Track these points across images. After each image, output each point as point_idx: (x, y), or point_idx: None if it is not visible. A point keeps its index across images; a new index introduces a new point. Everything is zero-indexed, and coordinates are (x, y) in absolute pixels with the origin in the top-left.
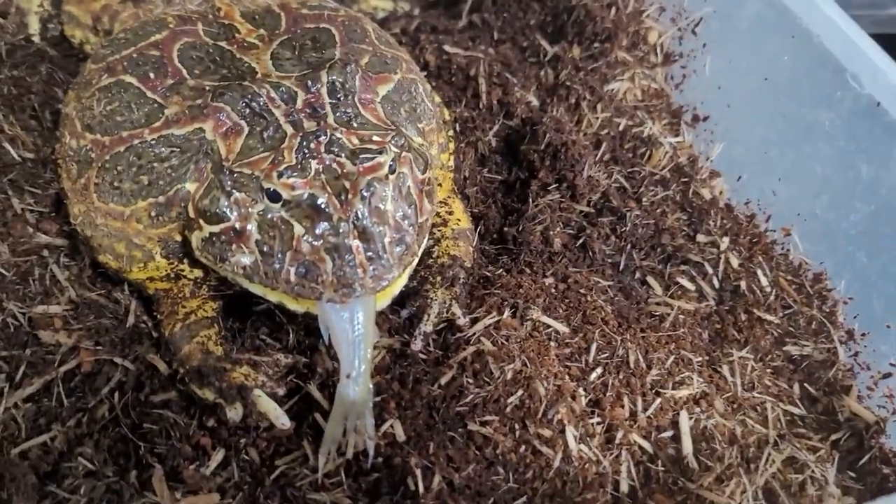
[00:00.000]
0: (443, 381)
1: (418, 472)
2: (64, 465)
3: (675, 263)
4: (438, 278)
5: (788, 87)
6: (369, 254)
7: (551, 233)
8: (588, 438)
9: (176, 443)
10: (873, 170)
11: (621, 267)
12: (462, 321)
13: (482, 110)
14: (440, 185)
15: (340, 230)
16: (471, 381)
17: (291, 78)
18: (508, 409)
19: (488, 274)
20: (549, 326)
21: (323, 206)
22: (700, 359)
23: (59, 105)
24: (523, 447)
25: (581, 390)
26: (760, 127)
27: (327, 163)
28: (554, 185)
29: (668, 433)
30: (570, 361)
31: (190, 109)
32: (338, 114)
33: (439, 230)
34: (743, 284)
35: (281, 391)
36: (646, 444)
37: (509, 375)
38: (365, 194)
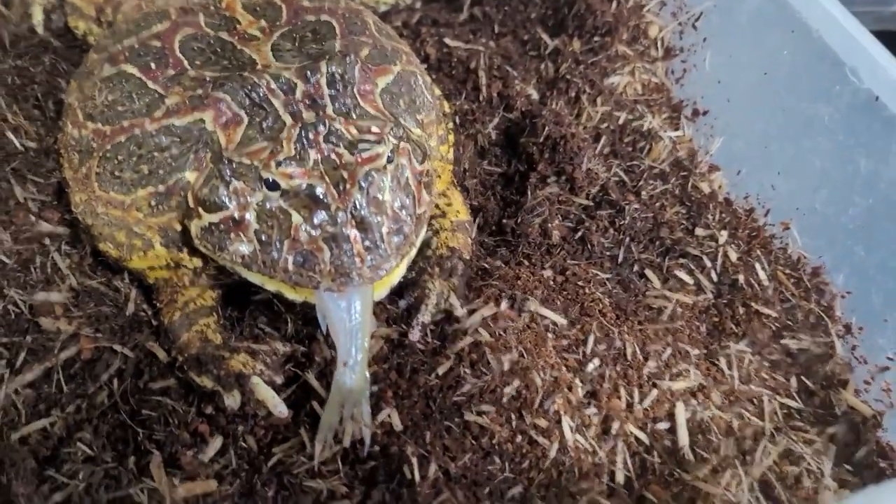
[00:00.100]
0: (440, 371)
1: (414, 460)
2: (63, 451)
3: (674, 256)
4: (437, 269)
5: (788, 82)
6: (367, 243)
7: (550, 225)
8: (584, 429)
9: (174, 430)
10: (872, 164)
11: (620, 260)
12: (460, 312)
13: (482, 103)
14: (439, 176)
15: (338, 220)
16: (468, 371)
17: (291, 69)
18: (505, 400)
19: (486, 266)
20: (546, 318)
21: (321, 195)
22: (697, 351)
23: (62, 95)
24: (520, 437)
25: (578, 381)
26: (760, 121)
27: (326, 153)
28: (553, 178)
29: (665, 425)
30: (568, 353)
31: (190, 100)
32: (337, 105)
33: (438, 222)
34: (741, 278)
35: (279, 379)
36: (642, 436)
37: (506, 366)
38: (363, 184)
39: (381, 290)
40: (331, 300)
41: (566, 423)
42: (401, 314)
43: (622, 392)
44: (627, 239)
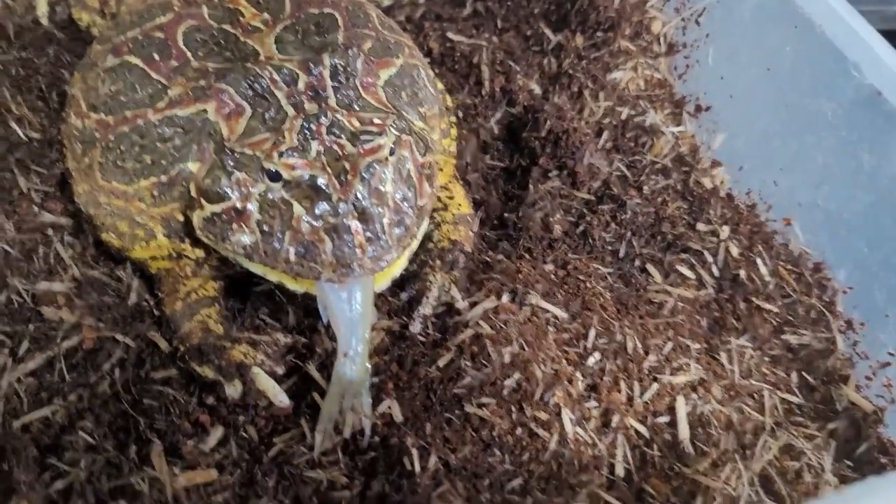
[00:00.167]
0: (441, 363)
1: (415, 452)
2: (65, 439)
3: (675, 251)
4: (438, 262)
5: (790, 78)
6: (368, 234)
7: (551, 219)
8: (584, 422)
9: (175, 419)
10: (874, 159)
11: (621, 254)
12: (461, 304)
13: (484, 97)
14: (441, 170)
15: (340, 211)
16: (468, 363)
17: (294, 61)
18: (505, 392)
19: (488, 259)
20: (547, 311)
21: (323, 186)
22: (698, 346)
23: (66, 86)
24: (520, 429)
25: (578, 374)
26: (762, 117)
27: (328, 144)
28: (555, 173)
29: (665, 418)
30: (569, 346)
31: (193, 91)
32: (339, 96)
33: (440, 215)
34: (742, 273)
35: (280, 370)
36: (642, 429)
37: (507, 358)
38: (365, 176)
39: (383, 282)
40: (332, 291)
41: (566, 415)
42: (402, 306)
43: (622, 385)
44: (629, 233)
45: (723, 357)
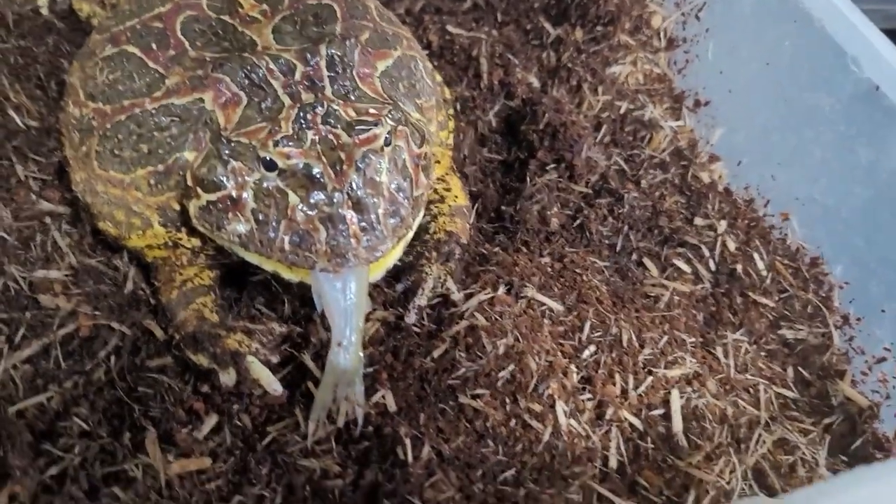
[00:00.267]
0: (435, 354)
1: (408, 441)
2: (59, 425)
3: (672, 246)
4: (434, 253)
5: (789, 72)
6: (363, 224)
7: (548, 212)
8: (578, 414)
9: (170, 407)
10: (872, 154)
11: (618, 248)
12: (456, 296)
13: (483, 90)
14: (438, 162)
15: (335, 200)
16: (463, 354)
17: (291, 51)
18: (500, 384)
19: (485, 251)
20: (543, 304)
21: (318, 175)
22: (694, 340)
23: (65, 75)
24: (513, 421)
25: (573, 367)
26: (761, 112)
27: (323, 134)
28: (552, 165)
29: (659, 411)
30: (564, 339)
31: (190, 80)
32: (335, 87)
33: (437, 206)
34: (739, 268)
35: (274, 359)
36: (636, 422)
37: (501, 350)
38: (360, 166)
39: (377, 272)
40: (326, 280)
41: (560, 407)
42: (398, 297)
43: (617, 378)
44: (626, 227)
45: (718, 351)
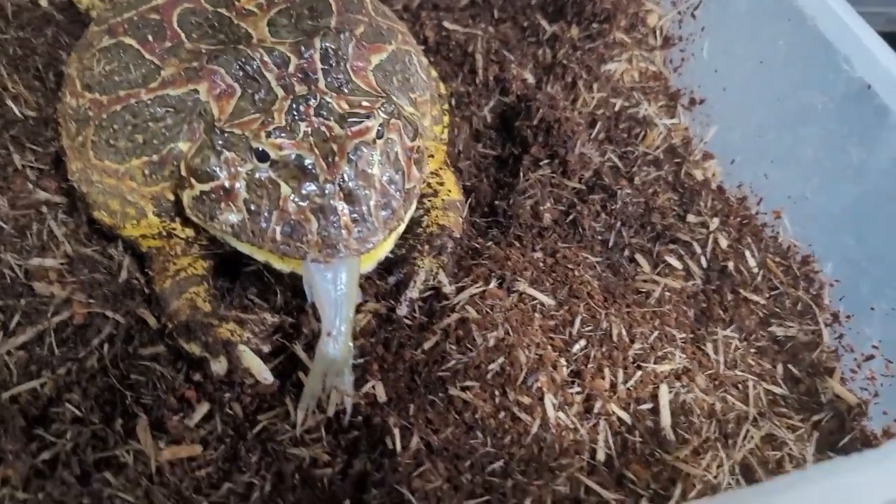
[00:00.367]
0: (426, 346)
1: (397, 431)
2: (52, 411)
3: (664, 242)
4: (426, 247)
5: (783, 71)
6: (354, 216)
7: (541, 208)
8: (567, 407)
9: (162, 394)
10: (863, 153)
11: (610, 244)
12: (448, 289)
13: (478, 86)
14: (432, 156)
15: (326, 191)
16: (454, 347)
17: (286, 44)
18: (489, 376)
19: (477, 245)
20: (534, 298)
21: (310, 167)
22: (684, 335)
23: (63, 67)
24: (502, 413)
25: (563, 361)
26: (755, 110)
27: (316, 125)
28: (546, 161)
29: (648, 405)
30: (554, 333)
31: (186, 71)
32: (329, 79)
33: (430, 200)
34: (731, 265)
35: (266, 348)
36: (624, 415)
37: (491, 343)
38: (352, 157)
39: (368, 264)
40: (317, 271)
41: (549, 400)
42: (390, 290)
43: (606, 372)
44: (619, 223)
45: (708, 347)
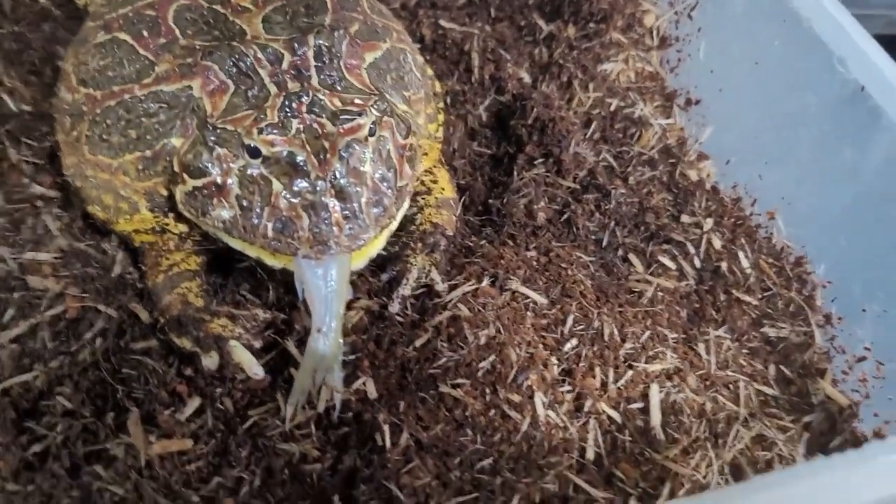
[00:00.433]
0: (418, 343)
1: (386, 428)
2: (43, 404)
3: (658, 242)
4: (419, 244)
5: (778, 72)
6: (345, 213)
7: (535, 206)
8: (557, 405)
9: (153, 389)
10: (856, 155)
11: (604, 243)
12: (441, 287)
13: (474, 84)
14: (426, 154)
15: (318, 188)
16: (445, 344)
17: (280, 41)
18: (480, 374)
19: (471, 244)
20: (527, 297)
21: (301, 163)
22: (676, 336)
23: (60, 62)
24: (493, 411)
25: (554, 359)
26: (751, 111)
27: (308, 122)
28: (540, 160)
29: (638, 405)
30: (546, 332)
31: (180, 67)
32: (322, 76)
33: (423, 198)
34: (724, 265)
35: (257, 344)
36: (614, 414)
37: (483, 341)
38: (343, 155)
39: (360, 261)
40: (308, 267)
41: (539, 398)
42: (382, 287)
43: (597, 371)
44: (613, 223)
45: (700, 347)
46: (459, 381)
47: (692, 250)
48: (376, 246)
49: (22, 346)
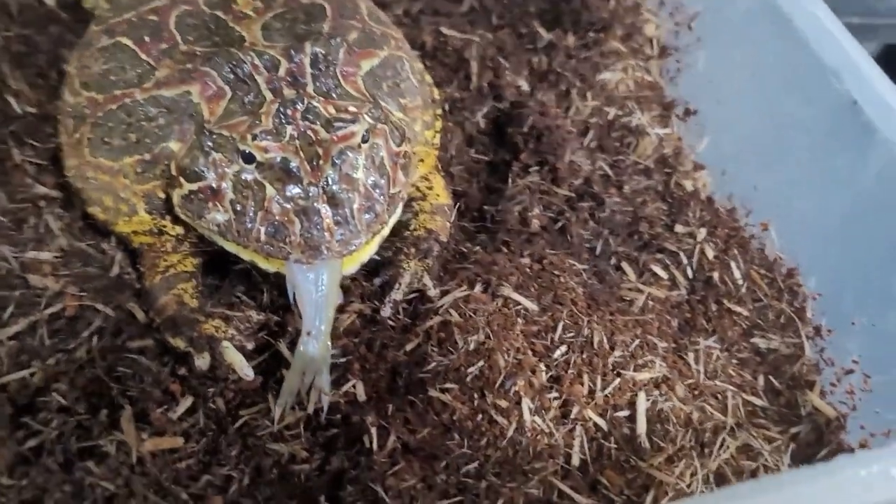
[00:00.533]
0: (408, 347)
1: (374, 430)
2: (39, 400)
3: (651, 251)
4: (413, 250)
5: (774, 84)
6: (337, 218)
7: (529, 213)
8: (544, 412)
9: (147, 387)
10: (849, 168)
11: (598, 251)
12: (433, 292)
13: (472, 91)
14: (422, 160)
15: (310, 194)
16: (435, 349)
17: (277, 48)
18: (468, 379)
19: (464, 249)
20: (518, 303)
21: (294, 169)
22: (665, 345)
23: (65, 65)
24: (480, 415)
25: (542, 366)
26: (747, 122)
27: (302, 129)
28: (535, 168)
29: (625, 413)
30: (536, 338)
31: (180, 73)
32: (318, 84)
33: (418, 204)
34: (716, 276)
35: (250, 345)
36: (601, 422)
37: (472, 346)
38: (336, 161)
39: (351, 266)
40: (300, 271)
41: (525, 404)
42: (375, 291)
43: (585, 379)
44: (607, 232)
45: (690, 357)
46: (448, 385)
47: (685, 260)
48: (368, 251)
49: (21, 342)
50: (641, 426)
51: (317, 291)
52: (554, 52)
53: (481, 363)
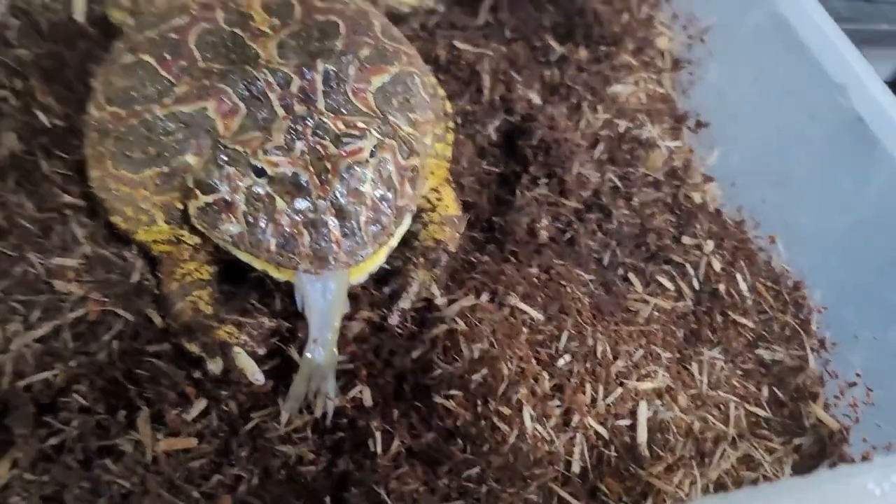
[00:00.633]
0: (414, 354)
1: (378, 435)
2: (61, 400)
3: (658, 262)
4: (421, 259)
5: (783, 98)
6: (344, 230)
7: (537, 225)
8: (545, 419)
9: (163, 389)
10: (854, 183)
11: (605, 262)
12: (440, 301)
13: (484, 105)
14: (432, 173)
15: (318, 207)
16: (441, 356)
17: (290, 65)
18: (472, 386)
19: (473, 259)
20: (525, 313)
21: (304, 183)
22: (670, 355)
23: (91, 80)
24: (482, 422)
25: (546, 374)
26: (756, 135)
27: (312, 144)
28: (544, 180)
29: (626, 421)
30: (541, 347)
31: (197, 89)
32: (328, 101)
33: (428, 215)
34: (722, 287)
35: (261, 351)
36: (601, 430)
37: (476, 354)
38: (344, 176)
39: (359, 276)
40: (308, 281)
41: (527, 412)
42: (383, 299)
43: (588, 388)
44: (614, 243)
45: (694, 367)
46: (452, 392)
47: (691, 271)
48: (375, 262)
49: (45, 345)
50: (642, 435)
51: (324, 300)
52: (566, 66)
53: (485, 371)
